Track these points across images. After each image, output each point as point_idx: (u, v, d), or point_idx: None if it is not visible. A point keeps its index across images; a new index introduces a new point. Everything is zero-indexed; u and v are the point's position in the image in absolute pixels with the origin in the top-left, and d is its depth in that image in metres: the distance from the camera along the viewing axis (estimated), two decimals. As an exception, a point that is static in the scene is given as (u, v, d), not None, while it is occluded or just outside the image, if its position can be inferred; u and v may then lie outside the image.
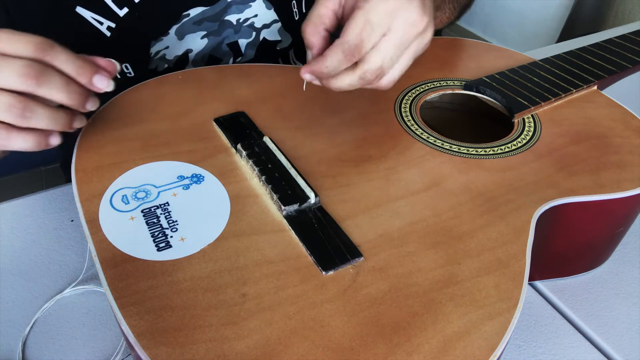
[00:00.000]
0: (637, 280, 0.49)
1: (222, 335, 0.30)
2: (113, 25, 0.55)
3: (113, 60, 0.41)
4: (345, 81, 0.41)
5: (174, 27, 0.59)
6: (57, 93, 0.37)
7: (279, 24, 0.66)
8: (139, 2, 0.55)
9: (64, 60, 0.37)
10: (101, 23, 0.55)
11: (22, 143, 0.38)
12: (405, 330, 0.31)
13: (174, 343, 0.29)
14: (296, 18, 0.68)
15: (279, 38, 0.68)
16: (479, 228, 0.38)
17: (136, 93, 0.50)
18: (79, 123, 0.40)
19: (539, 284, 0.49)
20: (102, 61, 0.40)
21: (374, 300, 0.32)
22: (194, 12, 0.60)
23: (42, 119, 0.37)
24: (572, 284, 0.49)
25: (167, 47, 0.60)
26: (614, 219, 0.45)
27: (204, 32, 0.61)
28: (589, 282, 0.49)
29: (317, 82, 0.42)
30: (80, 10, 0.54)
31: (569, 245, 0.46)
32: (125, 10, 0.55)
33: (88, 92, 0.39)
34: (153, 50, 0.60)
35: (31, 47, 0.36)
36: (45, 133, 0.39)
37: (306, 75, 0.42)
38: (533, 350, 0.43)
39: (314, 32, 0.41)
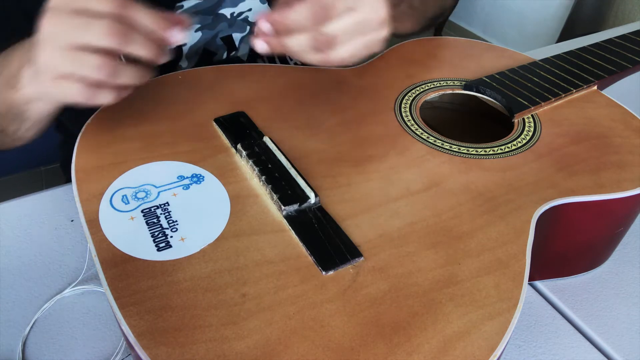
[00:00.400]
0: (637, 280, 0.49)
1: (222, 335, 0.30)
2: None
3: (187, 17, 0.42)
4: (298, 40, 0.41)
5: None
6: (140, 49, 0.39)
7: None
8: None
9: (143, 15, 0.39)
10: None
11: (107, 98, 0.40)
12: (405, 330, 0.31)
13: (174, 343, 0.29)
14: None
15: None
16: (479, 228, 0.38)
17: (136, 93, 0.50)
18: (150, 76, 0.42)
19: (539, 284, 0.49)
20: (174, 17, 0.41)
21: (374, 300, 0.32)
22: (188, 4, 0.59)
23: (127, 76, 0.39)
24: (572, 284, 0.49)
25: None
26: (614, 219, 0.45)
27: (198, 25, 0.61)
28: (589, 282, 0.49)
29: (267, 40, 0.42)
30: None
31: (569, 245, 0.46)
32: None
33: (163, 45, 0.41)
34: None
35: (112, 5, 0.37)
36: (123, 87, 0.40)
37: (264, 24, 0.42)
38: (533, 350, 0.43)
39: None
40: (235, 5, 0.63)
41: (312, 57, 0.42)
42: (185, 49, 0.62)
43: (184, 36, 0.41)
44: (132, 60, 0.40)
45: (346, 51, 0.41)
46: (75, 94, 0.38)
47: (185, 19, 0.41)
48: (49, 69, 0.38)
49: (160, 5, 0.57)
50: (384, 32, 0.42)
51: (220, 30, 0.63)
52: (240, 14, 0.63)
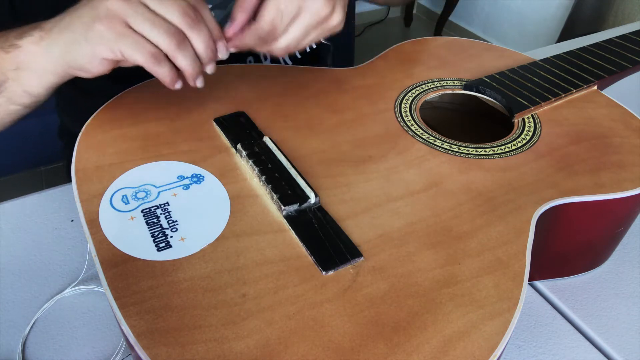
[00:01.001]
0: (637, 280, 0.49)
1: (222, 335, 0.30)
2: None
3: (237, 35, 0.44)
4: (248, 45, 0.44)
5: None
6: (201, 40, 0.41)
7: None
8: None
9: (209, 16, 0.42)
10: None
11: (165, 72, 0.41)
12: (405, 330, 0.31)
13: (174, 343, 0.29)
14: None
15: None
16: (479, 228, 0.38)
17: (136, 93, 0.50)
18: (200, 82, 0.43)
19: (539, 284, 0.49)
20: (228, 31, 0.44)
21: (374, 300, 0.32)
22: None
23: (188, 56, 0.41)
24: (572, 284, 0.49)
25: None
26: (614, 219, 0.45)
27: (210, 6, 0.61)
28: (589, 282, 0.49)
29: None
30: None
31: (569, 245, 0.46)
32: None
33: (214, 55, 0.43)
34: None
35: None
36: (178, 74, 0.42)
37: (226, 47, 0.44)
38: (533, 350, 0.43)
39: (242, 13, 0.44)
40: None
41: (259, 49, 0.44)
42: None
43: (227, 52, 0.43)
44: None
45: (290, 42, 0.44)
46: (142, 53, 0.39)
47: (233, 36, 0.44)
48: (116, 15, 0.38)
49: None
50: (334, 21, 0.44)
51: (231, 10, 0.63)
52: None
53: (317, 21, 0.43)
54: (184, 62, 0.41)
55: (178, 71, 0.42)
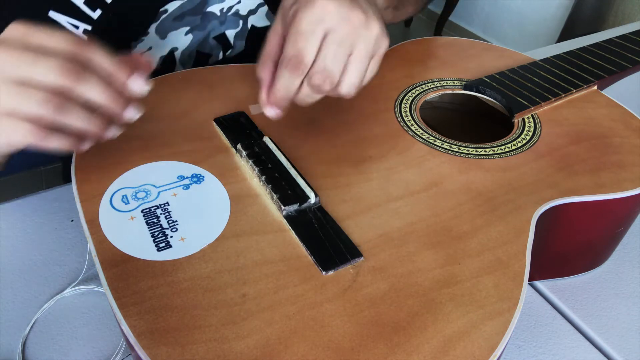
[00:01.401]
0: (637, 280, 0.49)
1: (222, 335, 0.30)
2: (89, 28, 0.53)
3: (150, 60, 0.40)
4: (303, 93, 0.40)
5: (153, 26, 0.57)
6: (95, 92, 0.36)
7: (265, 8, 0.63)
8: (110, 2, 0.53)
9: (101, 58, 0.37)
10: (77, 27, 0.53)
11: (56, 143, 0.36)
12: (405, 330, 0.31)
13: (174, 343, 0.29)
14: None
15: (269, 23, 0.64)
16: (479, 228, 0.38)
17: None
18: (112, 132, 0.39)
19: (539, 284, 0.49)
20: (140, 58, 0.39)
21: (374, 300, 0.32)
22: (172, 7, 0.57)
23: (78, 117, 0.36)
24: (572, 284, 0.49)
25: (150, 48, 0.58)
26: (614, 219, 0.45)
27: (187, 28, 0.59)
28: (589, 282, 0.49)
29: (283, 106, 0.42)
30: (53, 14, 0.51)
31: (569, 245, 0.46)
32: (99, 12, 0.53)
33: (127, 98, 0.38)
34: (135, 52, 0.58)
35: (69, 43, 0.35)
36: (78, 136, 0.38)
37: (270, 110, 0.41)
38: (533, 350, 0.43)
39: (263, 69, 0.41)
40: (222, 0, 0.59)
41: (333, 95, 0.41)
42: (177, 54, 0.60)
43: (143, 85, 0.38)
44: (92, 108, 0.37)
45: (352, 76, 0.40)
46: (20, 134, 0.35)
47: (147, 63, 0.39)
48: None
49: (143, 11, 0.56)
50: (372, 33, 0.40)
51: (211, 30, 0.61)
52: (230, 8, 0.61)
53: (351, 31, 0.39)
54: (77, 125, 0.36)
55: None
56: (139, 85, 0.38)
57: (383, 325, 0.31)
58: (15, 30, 0.35)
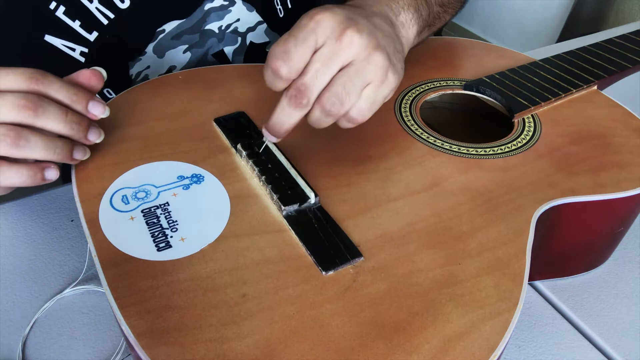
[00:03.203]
0: (637, 280, 0.49)
1: (222, 335, 0.30)
2: (86, 50, 0.53)
3: (98, 68, 0.40)
4: (313, 117, 0.38)
5: (150, 45, 0.57)
6: (55, 123, 0.36)
7: (264, 25, 0.63)
8: (107, 24, 0.53)
9: (57, 88, 0.37)
10: (73, 49, 0.53)
11: (15, 178, 0.36)
12: (405, 331, 0.31)
13: (174, 343, 0.29)
14: (281, 15, 0.64)
15: (267, 39, 0.65)
16: (479, 228, 0.38)
17: (136, 93, 0.50)
18: (80, 154, 0.40)
19: (539, 284, 0.49)
20: (86, 72, 0.39)
21: (373, 300, 0.32)
22: (169, 26, 0.57)
23: (37, 148, 0.36)
24: (572, 284, 0.49)
25: (148, 67, 0.58)
26: (614, 219, 0.45)
27: (185, 46, 0.59)
28: (589, 282, 0.49)
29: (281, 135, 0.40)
30: (49, 38, 0.51)
31: (569, 245, 0.46)
32: (95, 34, 0.53)
33: (88, 122, 0.39)
34: (133, 72, 0.58)
35: (24, 78, 0.36)
36: (40, 166, 0.38)
37: (271, 137, 0.39)
38: (533, 350, 0.43)
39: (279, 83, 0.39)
40: (221, 18, 0.60)
41: (346, 125, 0.39)
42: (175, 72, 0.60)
43: (104, 109, 0.39)
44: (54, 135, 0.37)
45: (362, 106, 0.38)
46: None
47: (97, 75, 0.39)
48: None
49: (139, 31, 0.56)
50: (393, 82, 0.38)
51: (210, 47, 0.61)
52: (229, 26, 0.61)
53: (380, 81, 0.37)
54: (37, 154, 0.36)
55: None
56: (98, 110, 0.39)
57: (383, 325, 0.31)
58: None
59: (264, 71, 0.37)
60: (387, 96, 0.39)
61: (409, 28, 0.46)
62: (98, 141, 0.40)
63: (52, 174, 0.39)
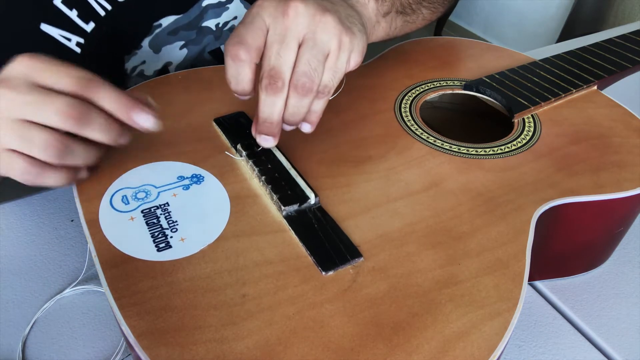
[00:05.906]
0: (637, 280, 0.49)
1: (222, 335, 0.30)
2: (82, 41, 0.53)
3: (149, 99, 0.39)
4: (290, 107, 0.38)
5: (147, 40, 0.57)
6: (97, 133, 0.36)
7: None
8: (104, 15, 0.53)
9: (106, 96, 0.36)
10: (69, 40, 0.52)
11: (53, 181, 0.37)
12: (405, 331, 0.31)
13: (174, 343, 0.29)
14: None
15: None
16: (478, 228, 0.38)
17: (135, 93, 0.50)
18: (102, 155, 0.40)
19: (539, 284, 0.49)
20: (142, 99, 0.39)
21: (373, 300, 0.32)
22: (166, 21, 0.57)
23: (78, 158, 0.36)
24: (572, 284, 0.49)
25: (143, 62, 0.58)
26: (614, 219, 0.45)
27: (182, 42, 0.59)
28: (589, 282, 0.49)
29: (285, 128, 0.40)
30: (45, 27, 0.51)
31: (568, 245, 0.46)
32: (92, 24, 0.53)
33: (130, 129, 0.38)
34: (128, 66, 0.57)
35: (74, 82, 0.35)
36: (76, 169, 0.38)
37: (266, 140, 0.40)
38: (533, 350, 0.43)
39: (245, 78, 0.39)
40: (218, 15, 0.59)
41: (307, 106, 0.39)
42: (171, 68, 0.60)
43: (153, 121, 0.38)
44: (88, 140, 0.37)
45: (326, 78, 0.39)
46: (17, 171, 0.35)
47: (151, 103, 0.39)
48: None
49: (136, 24, 0.56)
50: (349, 44, 0.38)
51: (207, 44, 0.61)
52: (226, 23, 0.61)
53: (342, 62, 0.38)
54: (78, 162, 0.37)
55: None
56: (146, 122, 0.38)
57: (383, 325, 0.31)
58: (21, 65, 0.35)
59: (225, 70, 0.38)
60: (350, 60, 0.39)
61: (365, 2, 0.46)
62: (125, 143, 0.39)
63: (84, 175, 0.39)
